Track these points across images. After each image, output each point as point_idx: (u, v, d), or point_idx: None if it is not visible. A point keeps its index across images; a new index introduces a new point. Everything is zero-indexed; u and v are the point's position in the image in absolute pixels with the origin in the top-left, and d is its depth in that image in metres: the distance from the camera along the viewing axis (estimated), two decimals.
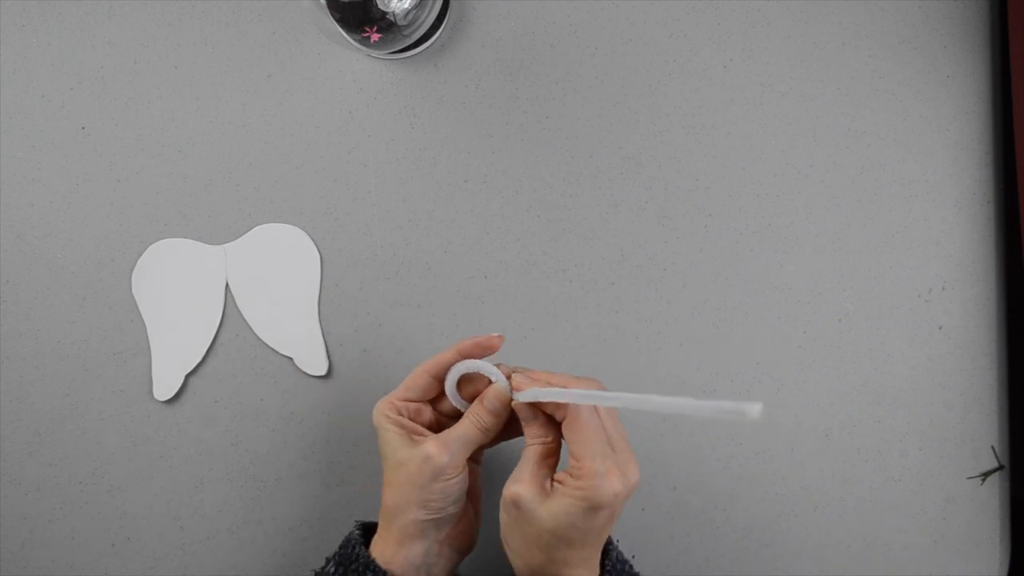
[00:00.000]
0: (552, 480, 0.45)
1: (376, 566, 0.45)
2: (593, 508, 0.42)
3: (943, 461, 0.60)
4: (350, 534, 0.49)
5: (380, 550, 0.47)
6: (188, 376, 0.58)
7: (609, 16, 0.60)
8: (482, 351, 0.48)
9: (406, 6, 0.52)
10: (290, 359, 0.59)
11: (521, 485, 0.45)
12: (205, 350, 0.58)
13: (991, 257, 0.60)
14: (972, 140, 0.60)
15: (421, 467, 0.45)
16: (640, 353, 0.59)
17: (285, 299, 0.59)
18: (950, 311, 0.60)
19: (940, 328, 0.60)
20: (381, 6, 0.52)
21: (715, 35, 0.60)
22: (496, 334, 0.48)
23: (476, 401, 0.48)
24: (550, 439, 0.46)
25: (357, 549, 0.47)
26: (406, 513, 0.46)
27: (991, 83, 0.60)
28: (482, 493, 0.52)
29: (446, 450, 0.46)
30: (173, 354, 0.58)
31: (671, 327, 0.59)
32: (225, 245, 0.59)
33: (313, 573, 0.49)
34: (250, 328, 0.58)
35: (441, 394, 0.50)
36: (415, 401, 0.49)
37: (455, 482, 0.46)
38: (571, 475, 0.43)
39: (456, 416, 0.50)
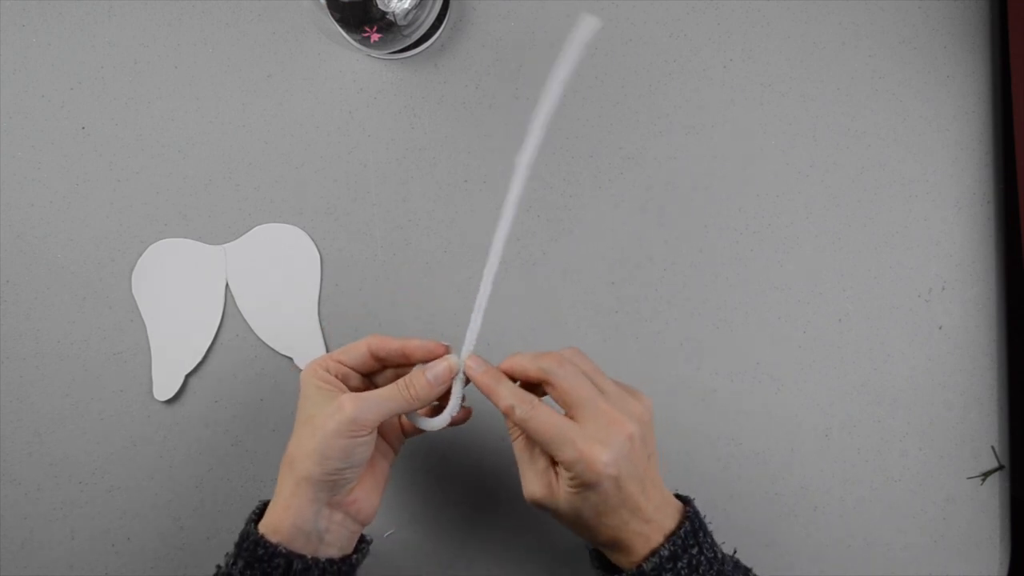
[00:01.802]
0: (554, 468, 0.45)
1: (265, 541, 0.44)
2: (590, 486, 0.42)
3: (943, 461, 0.60)
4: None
5: (270, 515, 0.45)
6: (188, 376, 0.58)
7: (609, 16, 0.60)
8: (426, 357, 0.47)
9: (406, 6, 0.52)
10: (290, 359, 0.59)
11: (530, 488, 0.45)
12: (205, 350, 0.58)
13: (991, 257, 0.60)
14: (972, 140, 0.60)
15: (328, 418, 0.43)
16: (640, 353, 0.59)
17: (285, 299, 0.59)
18: (950, 311, 0.60)
19: (940, 328, 0.60)
20: (381, 6, 0.52)
21: (715, 35, 0.60)
22: (445, 344, 0.47)
23: (417, 368, 0.47)
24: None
25: (249, 526, 0.46)
26: (301, 466, 0.44)
27: (991, 83, 0.60)
28: (388, 480, 0.50)
29: (357, 405, 0.44)
30: (173, 354, 0.58)
31: (671, 327, 0.59)
32: (225, 245, 0.59)
33: (225, 555, 0.47)
34: (250, 328, 0.58)
35: (377, 371, 0.49)
36: (347, 366, 0.48)
37: (359, 442, 0.44)
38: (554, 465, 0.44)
39: None
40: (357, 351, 0.48)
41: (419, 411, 0.48)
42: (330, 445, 0.43)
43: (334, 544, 0.46)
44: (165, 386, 0.58)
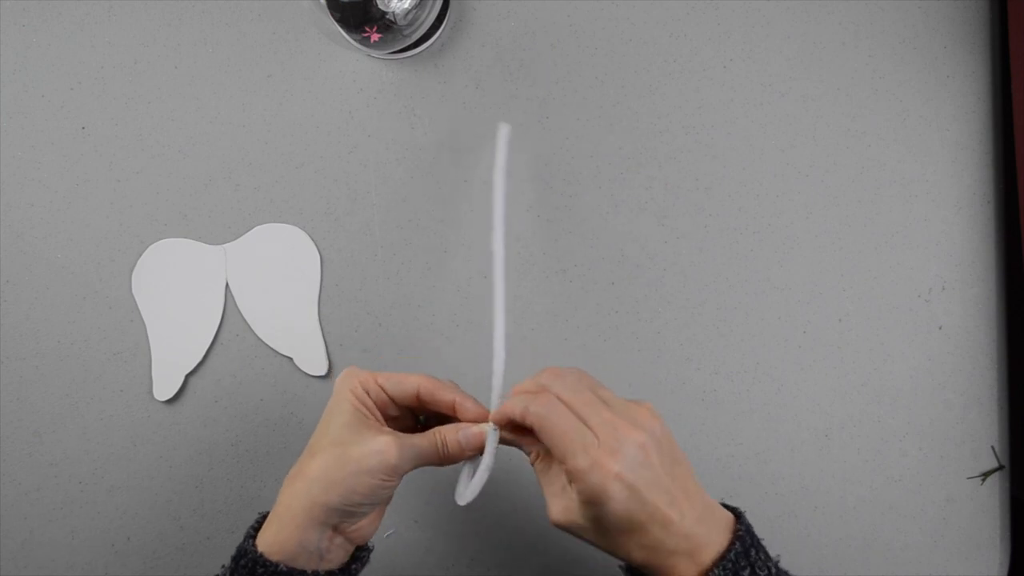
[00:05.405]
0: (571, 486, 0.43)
1: (265, 560, 0.43)
2: (599, 502, 0.40)
3: (943, 461, 0.60)
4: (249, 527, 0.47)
5: (275, 531, 0.44)
6: (188, 376, 0.58)
7: (609, 16, 0.60)
8: (473, 421, 0.46)
9: (406, 6, 0.52)
10: (290, 359, 0.59)
11: (552, 511, 0.43)
12: (205, 350, 0.58)
13: (991, 257, 0.60)
14: (972, 140, 0.60)
15: (366, 457, 0.43)
16: (640, 353, 0.59)
17: (285, 299, 0.59)
18: (950, 311, 0.60)
19: (940, 328, 0.60)
20: (381, 6, 0.52)
21: (715, 35, 0.60)
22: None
23: (453, 427, 0.46)
24: (542, 448, 0.44)
25: (247, 542, 0.44)
26: (324, 493, 0.43)
27: (991, 83, 0.60)
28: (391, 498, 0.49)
29: (399, 452, 0.43)
30: (173, 354, 0.58)
31: (671, 327, 0.59)
32: (225, 245, 0.59)
33: (221, 567, 0.47)
34: (250, 328, 0.58)
35: (418, 408, 0.48)
36: (389, 395, 0.46)
37: (388, 487, 0.44)
38: (568, 481, 0.42)
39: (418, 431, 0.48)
40: (406, 388, 0.46)
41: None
42: (361, 482, 0.43)
43: (332, 561, 0.46)
44: (165, 386, 0.58)
